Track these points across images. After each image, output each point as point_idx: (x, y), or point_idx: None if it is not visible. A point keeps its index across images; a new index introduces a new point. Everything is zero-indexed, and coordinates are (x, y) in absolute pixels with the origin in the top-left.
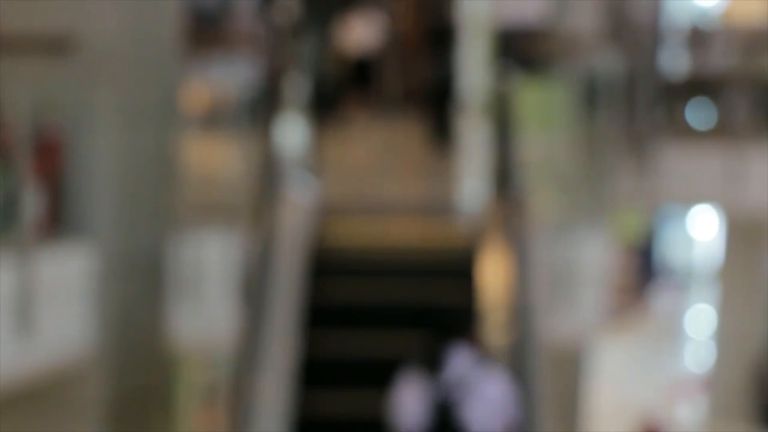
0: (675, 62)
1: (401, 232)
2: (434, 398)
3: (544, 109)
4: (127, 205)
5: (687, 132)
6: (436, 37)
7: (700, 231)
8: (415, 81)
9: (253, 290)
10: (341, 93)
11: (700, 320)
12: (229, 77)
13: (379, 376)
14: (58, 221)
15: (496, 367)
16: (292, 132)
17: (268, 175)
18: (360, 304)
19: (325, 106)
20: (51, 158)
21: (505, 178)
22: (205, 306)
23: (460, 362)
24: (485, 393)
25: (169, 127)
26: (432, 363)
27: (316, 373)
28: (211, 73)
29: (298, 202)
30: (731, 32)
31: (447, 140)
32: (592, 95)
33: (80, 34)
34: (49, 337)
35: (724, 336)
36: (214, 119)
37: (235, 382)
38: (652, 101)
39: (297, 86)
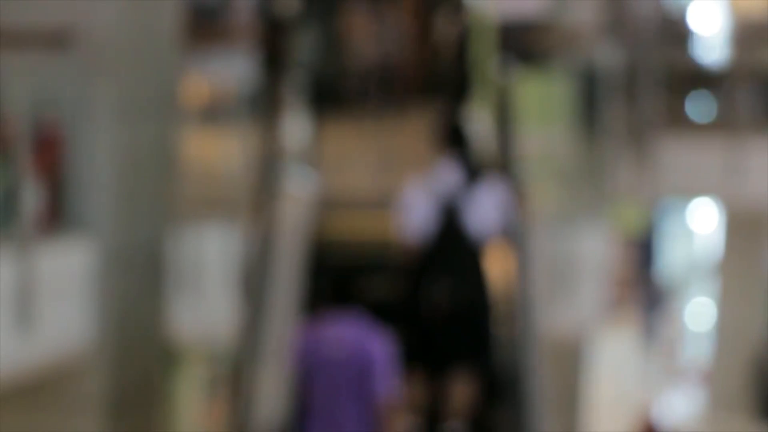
0: (674, 55)
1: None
2: (440, 203)
3: (544, 102)
4: (126, 199)
5: (687, 125)
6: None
7: (700, 224)
8: (422, 76)
9: (253, 284)
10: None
11: (700, 313)
12: (228, 71)
13: None
14: (58, 216)
15: (492, 177)
16: (291, 126)
17: (268, 169)
18: (359, 299)
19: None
20: (50, 153)
21: (505, 171)
22: (206, 300)
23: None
24: (483, 200)
25: (168, 121)
26: None
27: None
28: (211, 67)
29: (298, 196)
30: (731, 25)
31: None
32: (591, 88)
33: (79, 28)
34: (48, 332)
35: (723, 329)
36: (213, 113)
37: (235, 376)
38: (651, 94)
39: (297, 80)
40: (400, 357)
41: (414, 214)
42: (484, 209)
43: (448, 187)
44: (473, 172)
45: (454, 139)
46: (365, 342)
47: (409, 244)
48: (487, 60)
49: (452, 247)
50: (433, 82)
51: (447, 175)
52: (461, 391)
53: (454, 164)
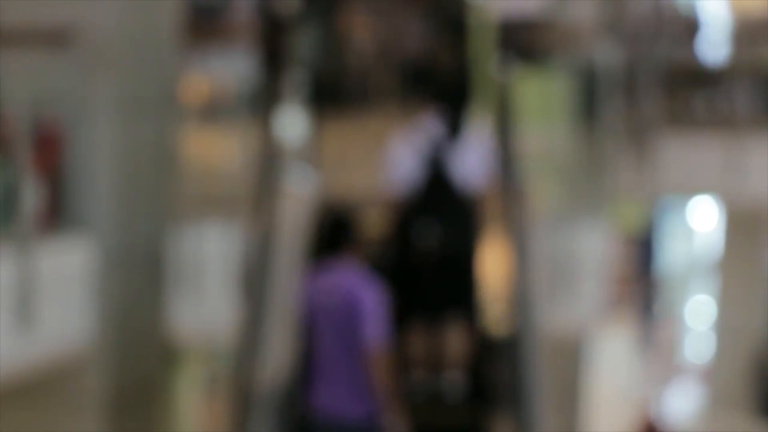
0: (674, 53)
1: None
2: (425, 157)
3: (543, 100)
4: (126, 197)
5: (687, 123)
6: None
7: (700, 222)
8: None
9: (254, 283)
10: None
11: (700, 311)
12: (228, 69)
13: None
14: (58, 214)
15: (477, 130)
16: (291, 124)
17: (268, 168)
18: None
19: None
20: (50, 151)
21: (505, 169)
22: (206, 299)
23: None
24: (467, 151)
25: (168, 120)
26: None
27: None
28: (211, 66)
29: (298, 195)
30: (731, 23)
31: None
32: (591, 86)
33: (79, 26)
34: (48, 330)
35: (723, 327)
36: (213, 112)
37: (235, 375)
38: (652, 92)
39: (297, 78)
40: (396, 309)
41: (400, 168)
42: (469, 160)
43: (433, 141)
44: (457, 125)
45: (438, 94)
46: (356, 289)
47: (397, 197)
48: (486, 58)
49: (439, 197)
50: (434, 79)
51: (431, 129)
52: (457, 341)
53: (438, 118)
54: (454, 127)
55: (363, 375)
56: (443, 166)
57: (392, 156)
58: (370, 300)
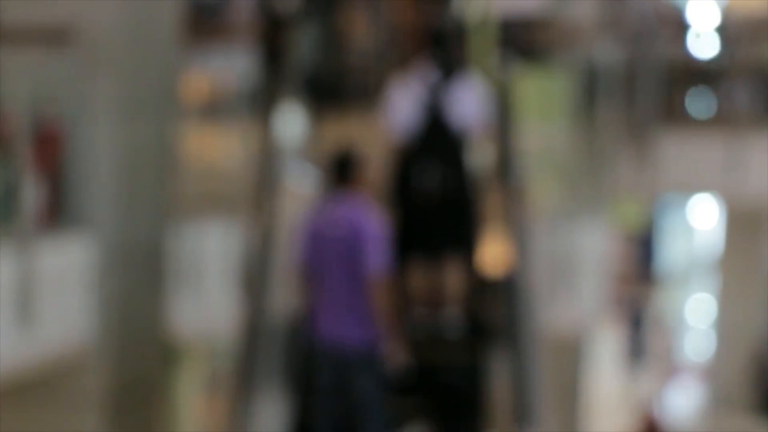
0: (674, 51)
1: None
2: (423, 101)
3: (544, 98)
4: (126, 195)
5: (687, 121)
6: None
7: (700, 220)
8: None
9: (254, 281)
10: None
11: (700, 309)
12: (228, 67)
13: None
14: (58, 212)
15: (472, 77)
16: (291, 122)
17: (268, 166)
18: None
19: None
20: (50, 149)
21: (505, 167)
22: (206, 297)
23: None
24: (463, 95)
25: (168, 118)
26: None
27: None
28: (211, 64)
29: (298, 193)
30: (731, 21)
31: None
32: (591, 85)
33: (79, 25)
34: (48, 328)
35: (724, 325)
36: (213, 110)
37: (235, 373)
38: (651, 90)
39: (296, 76)
40: (398, 247)
41: (399, 112)
42: (464, 104)
43: (430, 87)
44: (452, 70)
45: (435, 41)
46: (359, 220)
47: (397, 139)
48: (487, 56)
49: (437, 139)
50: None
51: (428, 74)
52: (456, 279)
53: (435, 64)
54: (449, 73)
55: (364, 303)
56: (440, 111)
57: (391, 103)
58: (373, 230)
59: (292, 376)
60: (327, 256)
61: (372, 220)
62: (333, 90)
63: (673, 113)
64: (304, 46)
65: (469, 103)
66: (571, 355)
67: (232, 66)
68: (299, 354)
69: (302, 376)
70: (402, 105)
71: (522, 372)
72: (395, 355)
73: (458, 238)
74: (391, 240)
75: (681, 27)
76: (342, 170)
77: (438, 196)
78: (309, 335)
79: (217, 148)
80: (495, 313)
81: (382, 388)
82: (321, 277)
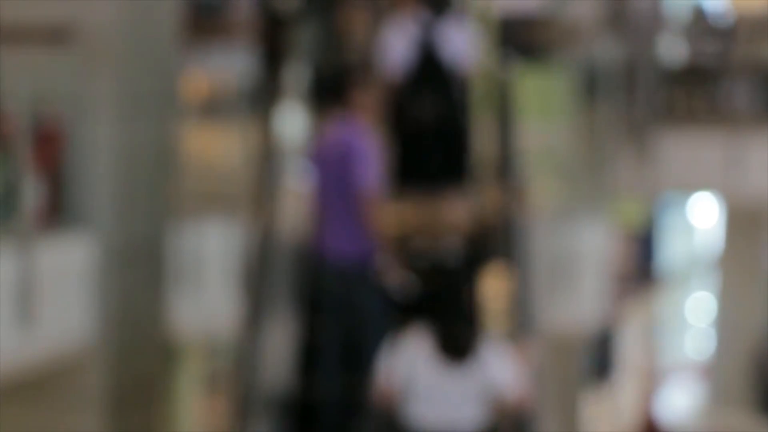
0: (675, 50)
1: (401, 220)
2: (416, 40)
3: (544, 97)
4: (126, 194)
5: (687, 119)
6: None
7: (701, 219)
8: None
9: (254, 279)
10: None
11: (700, 308)
12: (228, 66)
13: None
14: (58, 211)
15: (461, 18)
16: (292, 121)
17: (268, 164)
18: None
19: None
20: (50, 148)
21: (505, 166)
22: (206, 295)
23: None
24: (453, 34)
25: (168, 117)
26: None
27: (311, 410)
28: (211, 63)
29: (298, 191)
30: (731, 19)
31: None
32: (592, 83)
33: (79, 24)
34: (49, 327)
35: (724, 323)
36: (213, 108)
37: (235, 372)
38: (651, 89)
39: (297, 75)
40: (396, 176)
41: (394, 52)
42: (455, 41)
43: (421, 26)
44: (442, 10)
45: None
46: (352, 139)
47: (393, 76)
48: (487, 54)
49: (431, 73)
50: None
51: (421, 14)
52: (454, 207)
53: (426, 5)
54: (440, 13)
55: (359, 219)
56: (433, 48)
57: (386, 41)
58: (364, 149)
59: (300, 296)
60: (325, 176)
61: (364, 139)
62: (333, 88)
63: (673, 111)
64: (304, 44)
65: (459, 40)
66: (572, 354)
67: (232, 65)
68: (306, 273)
69: (309, 295)
70: (396, 43)
71: (522, 284)
72: (392, 271)
73: (454, 167)
74: (386, 164)
75: (680, 26)
76: (340, 93)
77: (433, 124)
78: (315, 254)
79: (217, 147)
80: (493, 242)
81: (382, 304)
82: (322, 195)
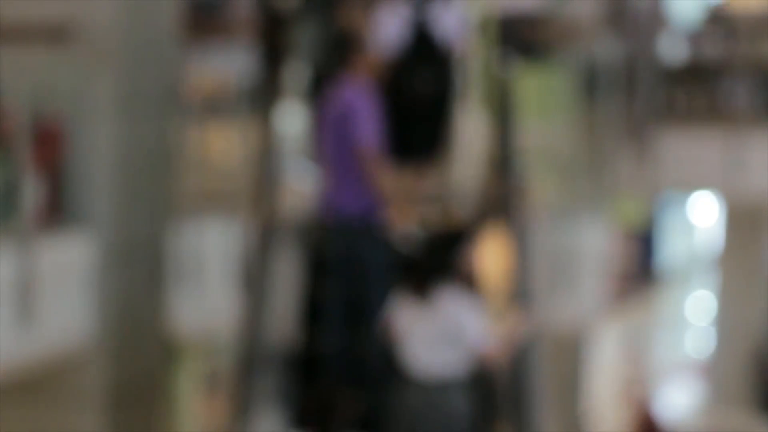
0: (675, 48)
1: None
2: (409, 19)
3: (544, 95)
4: (126, 193)
5: (687, 118)
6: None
7: (701, 217)
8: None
9: (254, 278)
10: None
11: (700, 307)
12: (228, 65)
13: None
14: (58, 210)
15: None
16: (292, 119)
17: (269, 163)
18: None
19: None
20: (50, 147)
21: (505, 164)
22: (206, 294)
23: None
24: (444, 13)
25: (168, 116)
26: None
27: (315, 364)
28: (211, 61)
29: (299, 190)
30: (731, 18)
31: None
32: (591, 82)
33: (79, 22)
34: (49, 326)
35: (724, 322)
36: (213, 108)
37: (235, 371)
38: (651, 87)
39: (297, 73)
40: (393, 146)
41: (388, 30)
42: (445, 20)
43: (414, 7)
44: None
45: None
46: (352, 97)
47: (386, 55)
48: (487, 53)
49: (424, 51)
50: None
51: None
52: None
53: None
54: None
55: (361, 174)
56: (425, 26)
57: (380, 21)
58: (364, 106)
59: (305, 253)
60: (328, 135)
61: (365, 99)
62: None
63: (673, 110)
64: (304, 44)
65: (449, 19)
66: (572, 352)
67: (231, 64)
68: (311, 231)
69: (314, 252)
70: (389, 22)
71: (521, 245)
72: (396, 223)
73: (443, 139)
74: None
75: (680, 25)
76: (342, 53)
77: (429, 97)
78: (319, 211)
79: (216, 146)
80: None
81: (386, 259)
82: (327, 153)
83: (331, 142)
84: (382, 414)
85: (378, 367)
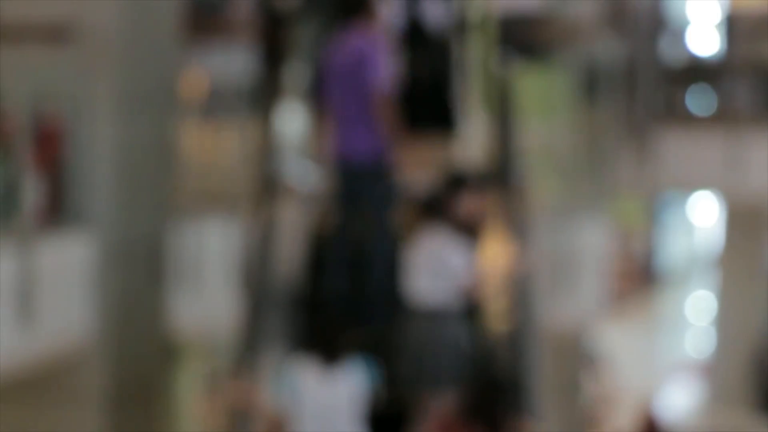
0: (675, 48)
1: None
2: (404, 8)
3: (544, 96)
4: (126, 193)
5: (687, 118)
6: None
7: (701, 217)
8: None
9: (253, 278)
10: None
11: (700, 307)
12: (228, 65)
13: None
14: (58, 209)
15: None
16: (291, 119)
17: (268, 163)
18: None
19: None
20: (51, 147)
21: (505, 165)
22: (205, 294)
23: None
24: (433, 6)
25: (168, 115)
26: None
27: (320, 303)
28: (211, 61)
29: (298, 190)
30: (731, 18)
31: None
32: (592, 82)
33: (79, 23)
34: (49, 325)
35: (724, 322)
36: (213, 107)
37: (235, 370)
38: (652, 88)
39: (297, 73)
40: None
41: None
42: (434, 10)
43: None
44: None
45: None
46: (365, 45)
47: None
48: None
49: (419, 39)
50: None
51: None
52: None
53: None
54: None
55: (372, 117)
56: (417, 17)
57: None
58: (377, 53)
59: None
60: (340, 80)
61: (377, 45)
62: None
63: (673, 110)
64: (304, 43)
65: (439, 9)
66: (572, 352)
67: (231, 64)
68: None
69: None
70: (384, 12)
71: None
72: (396, 163)
73: (447, 114)
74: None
75: (680, 24)
76: (353, 5)
77: (428, 72)
78: (329, 155)
79: (216, 146)
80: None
81: (393, 200)
82: (336, 100)
83: (345, 86)
84: (387, 344)
85: (382, 303)
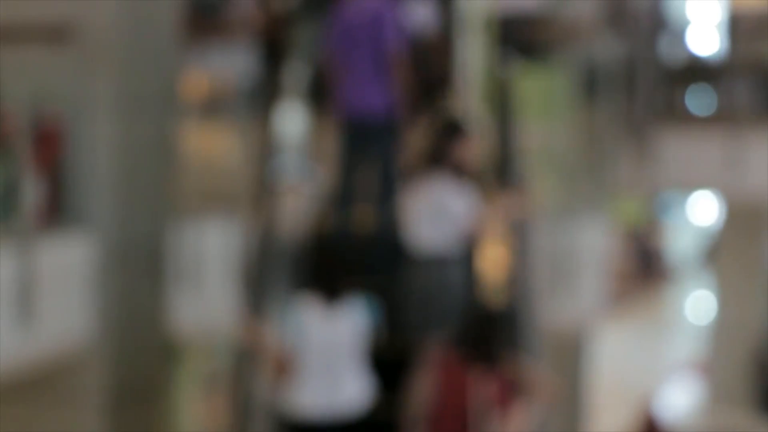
0: (674, 48)
1: None
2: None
3: (544, 96)
4: (127, 193)
5: (687, 118)
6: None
7: (700, 217)
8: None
9: (254, 278)
10: None
11: (700, 306)
12: (228, 65)
13: (387, 375)
14: (58, 210)
15: None
16: (291, 119)
17: (268, 163)
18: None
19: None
20: (50, 147)
21: (505, 165)
22: (206, 294)
23: None
24: (418, 7)
25: (168, 116)
26: None
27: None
28: (211, 61)
29: (298, 190)
30: (731, 18)
31: None
32: (591, 82)
33: (79, 22)
34: (49, 326)
35: (723, 322)
36: (213, 107)
37: (235, 371)
38: (651, 87)
39: (297, 73)
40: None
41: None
42: (418, 11)
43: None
44: None
45: None
46: (381, 7)
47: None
48: (487, 53)
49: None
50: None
51: None
52: None
53: None
54: None
55: (386, 76)
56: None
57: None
58: (393, 15)
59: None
60: (354, 40)
61: (392, 7)
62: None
63: (673, 110)
64: (304, 43)
65: (422, 10)
66: (572, 352)
67: (231, 64)
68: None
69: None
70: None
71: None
72: (407, 117)
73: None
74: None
75: (680, 24)
76: None
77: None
78: (342, 110)
79: (216, 146)
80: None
81: (398, 151)
82: (349, 58)
83: (359, 44)
84: (389, 289)
85: (387, 249)
